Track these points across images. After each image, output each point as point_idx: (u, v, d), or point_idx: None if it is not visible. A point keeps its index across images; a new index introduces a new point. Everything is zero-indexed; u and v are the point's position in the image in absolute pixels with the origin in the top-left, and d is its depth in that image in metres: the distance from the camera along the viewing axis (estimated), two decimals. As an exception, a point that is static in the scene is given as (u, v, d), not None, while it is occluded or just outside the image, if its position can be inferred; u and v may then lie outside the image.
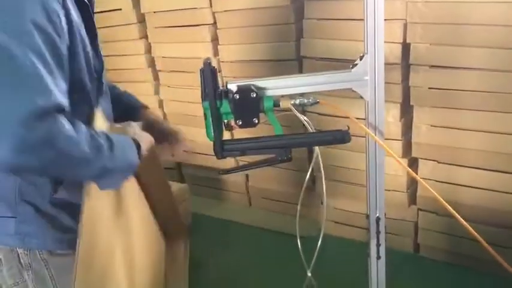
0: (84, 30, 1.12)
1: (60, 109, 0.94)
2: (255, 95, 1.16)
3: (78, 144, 0.96)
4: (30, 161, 0.90)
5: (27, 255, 1.17)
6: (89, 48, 1.14)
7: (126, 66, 3.07)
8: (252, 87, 1.17)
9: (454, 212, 1.11)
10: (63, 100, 0.96)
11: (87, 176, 1.05)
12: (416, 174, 2.32)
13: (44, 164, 0.93)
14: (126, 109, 1.46)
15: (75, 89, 1.07)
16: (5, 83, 0.90)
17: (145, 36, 2.98)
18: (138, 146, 1.14)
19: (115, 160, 1.05)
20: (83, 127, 0.99)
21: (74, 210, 1.15)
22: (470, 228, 1.14)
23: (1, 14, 0.92)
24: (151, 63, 3.04)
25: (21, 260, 1.18)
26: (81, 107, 1.12)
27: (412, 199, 2.44)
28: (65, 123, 0.94)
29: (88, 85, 1.14)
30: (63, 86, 0.99)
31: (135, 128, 1.22)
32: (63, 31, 1.01)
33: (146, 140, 1.20)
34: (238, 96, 1.16)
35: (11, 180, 1.12)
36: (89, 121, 1.11)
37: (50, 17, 0.97)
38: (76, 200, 1.15)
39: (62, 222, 1.17)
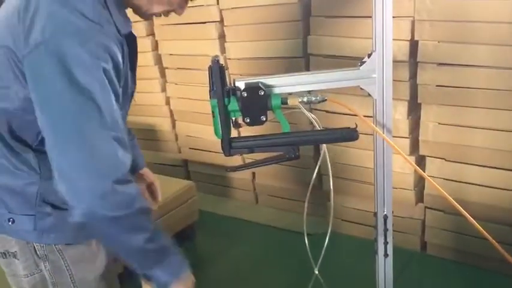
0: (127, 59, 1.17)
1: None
2: (262, 93, 1.16)
3: (148, 214, 1.12)
4: (115, 215, 1.04)
5: (43, 247, 1.21)
6: (129, 73, 1.20)
7: (133, 64, 3.08)
8: (260, 85, 1.17)
9: (462, 210, 1.11)
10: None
11: (141, 254, 1.13)
12: (424, 172, 2.31)
13: (121, 223, 1.07)
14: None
15: None
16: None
17: (152, 34, 2.99)
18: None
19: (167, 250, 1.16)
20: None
21: None
22: (479, 226, 1.14)
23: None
24: (158, 60, 3.04)
25: (38, 252, 1.22)
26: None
27: (420, 197, 2.44)
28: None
29: (123, 111, 1.18)
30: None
31: None
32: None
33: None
34: (246, 94, 1.16)
35: (35, 185, 1.16)
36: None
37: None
38: None
39: None
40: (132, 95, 1.28)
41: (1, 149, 1.14)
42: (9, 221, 1.18)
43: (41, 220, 1.18)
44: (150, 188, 1.52)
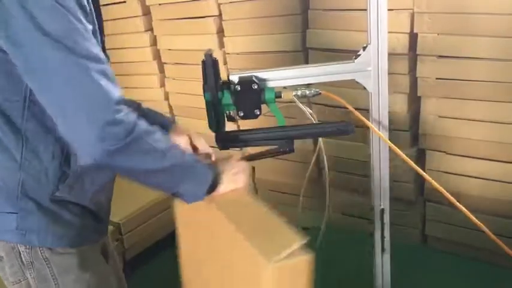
0: (97, 24, 1.11)
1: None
2: (256, 87, 1.15)
3: (154, 134, 1.03)
4: (117, 148, 0.97)
5: (29, 253, 1.15)
6: (99, 42, 1.13)
7: (132, 59, 3.07)
8: (254, 79, 1.16)
9: (457, 203, 1.10)
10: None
11: (163, 174, 1.07)
12: (424, 165, 2.31)
13: (129, 153, 1.00)
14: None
15: None
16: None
17: (151, 29, 2.97)
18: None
19: (185, 161, 1.08)
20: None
21: (74, 208, 1.16)
22: (476, 220, 1.13)
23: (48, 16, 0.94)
24: (157, 55, 3.03)
25: (23, 259, 1.16)
26: None
27: (419, 190, 2.43)
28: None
29: None
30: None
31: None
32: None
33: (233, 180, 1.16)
34: (239, 88, 1.16)
35: (15, 176, 1.11)
36: None
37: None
38: (76, 200, 1.16)
39: (63, 218, 1.15)
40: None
41: None
42: None
43: (23, 219, 1.12)
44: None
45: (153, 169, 1.05)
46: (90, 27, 1.01)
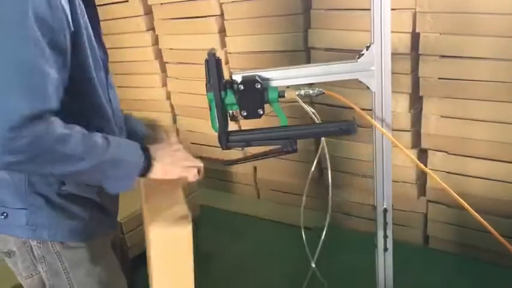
0: (87, 18, 1.10)
1: (52, 112, 0.97)
2: (259, 86, 1.15)
3: (68, 142, 0.98)
4: (19, 160, 0.94)
5: (40, 247, 1.17)
6: (93, 37, 1.12)
7: (133, 59, 3.07)
8: (257, 78, 1.16)
9: (463, 202, 1.10)
10: (57, 103, 0.98)
11: (83, 174, 1.06)
12: (426, 165, 2.30)
13: (33, 163, 0.98)
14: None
15: (81, 79, 1.07)
16: (5, 80, 0.92)
17: (153, 28, 2.97)
18: (145, 150, 1.11)
19: (111, 157, 1.05)
20: (76, 127, 1.01)
21: (82, 201, 1.17)
22: (481, 219, 1.13)
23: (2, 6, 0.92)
24: (159, 55, 3.03)
25: (35, 253, 1.18)
26: (89, 98, 1.12)
27: (422, 190, 2.42)
28: (56, 123, 0.97)
29: (94, 75, 1.12)
30: (61, 83, 1.00)
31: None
32: (65, 20, 1.00)
33: (165, 155, 1.14)
34: (242, 87, 1.15)
35: (20, 175, 1.12)
36: (98, 111, 1.13)
37: (53, 8, 0.96)
38: (84, 193, 1.17)
39: (72, 212, 1.17)
40: (105, 66, 1.20)
41: None
42: (2, 215, 1.15)
43: (33, 214, 1.14)
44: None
45: (71, 172, 1.04)
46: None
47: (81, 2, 1.08)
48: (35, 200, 1.14)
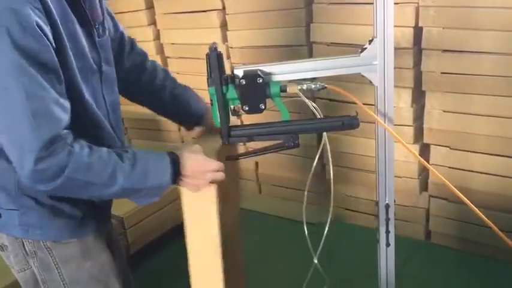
0: (76, 24, 1.08)
1: (66, 126, 1.00)
2: (261, 80, 1.14)
3: (91, 170, 1.01)
4: (53, 188, 1.00)
5: (31, 243, 1.19)
6: (83, 42, 1.11)
7: (135, 53, 3.06)
8: (259, 73, 1.15)
9: (464, 198, 1.09)
10: (66, 116, 1.01)
11: (107, 196, 1.11)
12: (428, 160, 2.30)
13: (66, 190, 1.03)
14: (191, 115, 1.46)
15: (71, 98, 1.06)
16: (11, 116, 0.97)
17: (154, 23, 2.96)
18: (176, 165, 1.12)
19: (136, 181, 1.08)
20: (103, 149, 1.04)
21: (73, 200, 1.17)
22: (481, 215, 1.12)
23: None
24: (160, 49, 3.02)
25: (26, 248, 1.20)
26: (80, 112, 1.11)
27: (424, 186, 2.42)
28: (78, 151, 1.00)
29: (80, 83, 1.10)
30: (62, 96, 1.02)
31: (190, 148, 1.17)
32: (46, 38, 0.98)
33: (195, 162, 1.14)
34: (244, 82, 1.14)
35: (11, 176, 1.12)
36: (91, 119, 1.14)
37: (28, 32, 0.95)
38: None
39: (63, 211, 1.18)
40: (100, 71, 1.19)
41: None
42: None
43: (24, 215, 1.15)
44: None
45: (97, 196, 1.09)
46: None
47: (67, 6, 1.06)
48: (26, 202, 1.15)
